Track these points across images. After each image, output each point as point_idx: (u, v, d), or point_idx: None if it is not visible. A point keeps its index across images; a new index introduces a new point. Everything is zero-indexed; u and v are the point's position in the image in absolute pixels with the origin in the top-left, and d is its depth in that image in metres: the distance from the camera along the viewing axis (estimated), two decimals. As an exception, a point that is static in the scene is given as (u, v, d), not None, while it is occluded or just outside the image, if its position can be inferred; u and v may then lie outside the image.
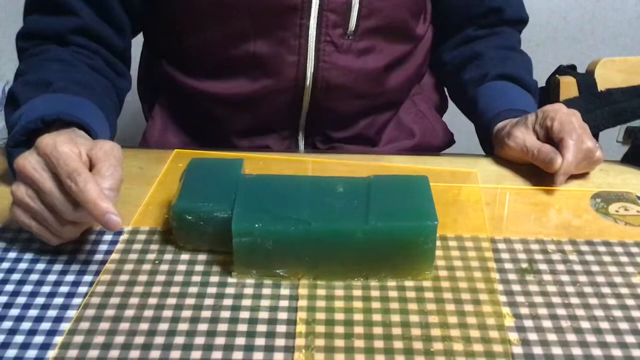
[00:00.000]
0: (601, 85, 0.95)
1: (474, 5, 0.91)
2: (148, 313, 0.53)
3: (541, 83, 1.00)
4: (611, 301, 0.56)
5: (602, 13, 1.96)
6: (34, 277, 0.57)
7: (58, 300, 0.54)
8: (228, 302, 0.54)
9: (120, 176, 0.58)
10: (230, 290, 0.56)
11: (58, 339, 0.51)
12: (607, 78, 0.96)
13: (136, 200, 0.67)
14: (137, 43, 0.92)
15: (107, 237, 0.62)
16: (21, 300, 0.54)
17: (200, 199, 0.59)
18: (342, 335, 0.51)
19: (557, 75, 0.96)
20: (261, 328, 0.52)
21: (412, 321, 0.53)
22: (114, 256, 0.59)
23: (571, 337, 0.52)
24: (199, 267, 0.58)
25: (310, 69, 0.81)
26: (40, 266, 0.58)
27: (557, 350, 0.51)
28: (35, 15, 0.80)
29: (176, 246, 0.61)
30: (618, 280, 0.58)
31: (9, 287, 0.56)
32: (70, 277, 0.57)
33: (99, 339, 0.51)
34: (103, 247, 0.61)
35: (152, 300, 0.54)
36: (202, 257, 0.60)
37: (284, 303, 0.55)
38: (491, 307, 0.55)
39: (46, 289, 0.56)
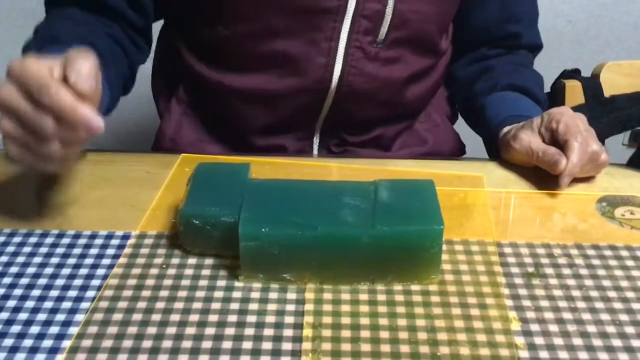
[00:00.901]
0: (606, 89, 0.95)
1: (494, 27, 0.92)
2: (155, 317, 0.53)
3: (547, 87, 1.00)
4: (617, 305, 0.56)
5: (608, 16, 1.96)
6: (42, 281, 0.57)
7: (66, 305, 0.55)
8: (235, 306, 0.55)
9: (93, 63, 0.56)
10: (237, 294, 0.56)
11: (66, 343, 0.51)
12: (613, 82, 0.96)
13: (143, 205, 0.67)
14: (153, 35, 0.92)
15: (115, 241, 0.62)
16: (30, 304, 0.55)
17: (207, 203, 0.59)
18: (349, 339, 0.52)
19: (562, 80, 0.96)
20: (268, 332, 0.52)
21: (419, 325, 0.53)
22: (122, 260, 0.60)
23: (577, 341, 0.52)
24: (206, 272, 0.59)
25: (337, 73, 0.82)
26: (49, 270, 0.59)
27: (563, 355, 0.51)
28: None
29: (183, 250, 0.61)
30: (624, 284, 0.58)
31: (18, 291, 0.56)
32: (78, 282, 0.57)
33: (107, 343, 0.51)
34: (111, 251, 0.61)
35: (160, 305, 0.55)
36: (209, 261, 0.60)
37: (290, 307, 0.55)
38: (497, 311, 0.55)
39: (54, 293, 0.56)
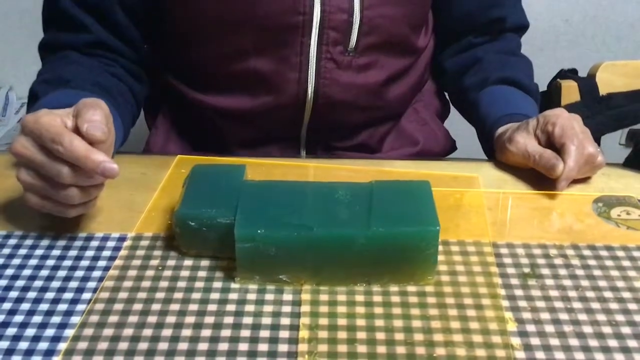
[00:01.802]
0: (602, 89, 0.95)
1: (476, 15, 0.91)
2: (152, 319, 0.53)
3: (543, 86, 1.00)
4: (613, 306, 0.56)
5: (604, 16, 1.96)
6: (38, 283, 0.57)
7: (62, 307, 0.55)
8: (231, 307, 0.55)
9: (104, 111, 0.58)
10: (233, 295, 0.56)
11: (62, 345, 0.51)
12: (609, 82, 0.96)
13: (139, 206, 0.67)
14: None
15: (111, 243, 0.62)
16: (25, 306, 0.55)
17: (203, 205, 0.59)
18: (345, 341, 0.52)
19: (558, 80, 0.96)
20: (264, 334, 0.52)
21: (415, 326, 0.53)
22: (118, 262, 0.60)
23: (574, 341, 0.52)
24: (202, 273, 0.59)
25: (311, 86, 0.82)
26: (45, 272, 0.58)
27: (559, 355, 0.51)
28: (52, 29, 0.83)
29: (179, 252, 0.61)
30: (620, 285, 0.58)
31: (14, 294, 0.56)
32: (74, 284, 0.57)
33: (103, 345, 0.51)
34: (107, 253, 0.61)
35: (156, 306, 0.55)
36: (205, 262, 0.60)
37: (286, 308, 0.55)
38: (493, 312, 0.55)
39: (50, 295, 0.56)
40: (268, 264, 0.56)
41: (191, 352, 0.50)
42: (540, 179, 0.72)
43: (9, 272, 0.58)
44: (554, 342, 0.52)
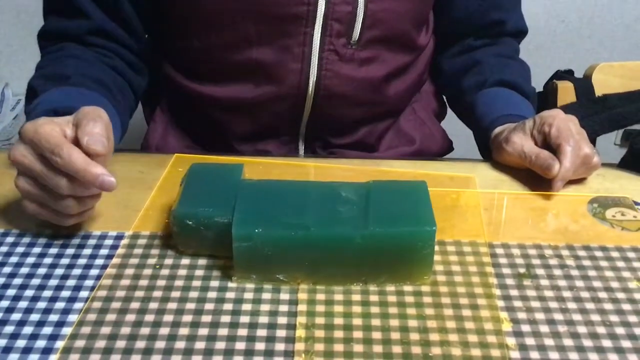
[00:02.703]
0: (599, 90, 0.95)
1: (476, 17, 0.92)
2: (149, 317, 0.54)
3: (540, 87, 1.00)
4: (608, 306, 0.56)
5: (600, 16, 1.97)
6: (35, 281, 0.57)
7: (60, 305, 0.55)
8: (228, 306, 0.55)
9: (105, 123, 0.59)
10: (230, 294, 0.56)
11: (60, 344, 0.51)
12: (605, 83, 0.96)
13: (137, 205, 0.68)
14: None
15: (108, 241, 0.62)
16: (23, 304, 0.55)
17: (201, 204, 0.59)
18: (342, 340, 0.52)
19: (554, 81, 0.96)
20: (261, 332, 0.52)
21: (411, 326, 0.53)
22: (115, 261, 0.60)
23: (568, 342, 0.52)
24: (199, 272, 0.59)
25: (313, 77, 0.82)
26: (42, 271, 0.59)
27: (554, 355, 0.51)
28: (52, 16, 0.82)
29: (177, 251, 0.61)
30: (615, 285, 0.58)
31: (11, 292, 0.56)
32: (71, 282, 0.57)
33: (100, 344, 0.51)
34: (104, 251, 0.61)
35: (153, 305, 0.55)
36: (202, 261, 0.60)
37: (283, 308, 0.55)
38: (489, 312, 0.55)
39: (48, 293, 0.56)
40: (265, 263, 0.56)
41: (188, 351, 0.51)
42: (537, 180, 0.72)
43: (7, 270, 0.59)
44: (549, 342, 0.52)
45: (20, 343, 0.51)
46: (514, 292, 0.57)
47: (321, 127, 0.89)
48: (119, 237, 0.63)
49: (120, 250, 0.61)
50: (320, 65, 0.81)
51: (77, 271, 0.59)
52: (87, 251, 0.61)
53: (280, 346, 0.51)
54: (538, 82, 1.00)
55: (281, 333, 0.52)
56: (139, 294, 0.56)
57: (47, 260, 0.60)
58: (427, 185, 0.61)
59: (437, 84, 1.00)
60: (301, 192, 0.61)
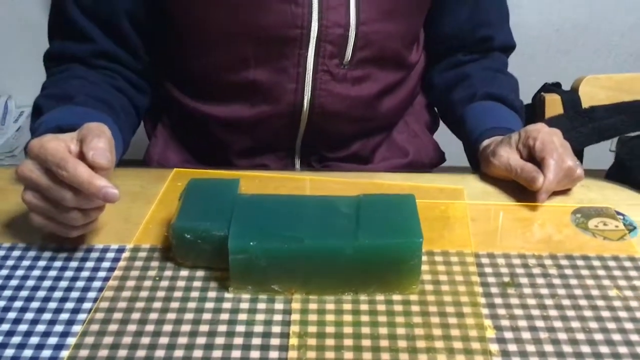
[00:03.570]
0: (585, 102, 0.98)
1: (466, 34, 0.95)
2: (149, 327, 0.56)
3: (532, 95, 1.03)
4: (587, 313, 0.59)
5: (595, 25, 1.99)
6: (41, 293, 0.60)
7: (64, 316, 0.58)
8: (225, 316, 0.58)
9: (108, 138, 0.62)
10: (227, 305, 0.59)
11: (65, 353, 0.54)
12: (592, 95, 0.99)
13: (137, 218, 0.70)
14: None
15: (110, 254, 0.65)
16: (29, 316, 0.58)
17: (199, 218, 0.62)
18: (333, 348, 0.54)
19: (542, 93, 0.99)
20: (256, 341, 0.55)
21: (399, 334, 0.56)
22: (117, 273, 0.63)
23: (549, 347, 0.55)
24: (197, 283, 0.61)
25: (308, 96, 0.85)
26: (47, 283, 0.61)
27: (535, 361, 0.54)
28: (57, 40, 0.86)
29: (175, 263, 0.64)
30: (595, 293, 0.61)
31: (18, 304, 0.59)
32: (75, 294, 0.60)
33: (104, 353, 0.54)
34: (106, 264, 0.64)
35: (153, 315, 0.58)
36: (200, 273, 0.63)
37: (277, 317, 0.58)
38: (474, 320, 0.58)
39: (53, 305, 0.59)
40: (260, 274, 0.59)
41: (186, 359, 0.53)
42: (523, 191, 0.75)
43: (14, 282, 0.61)
44: (530, 348, 0.55)
45: (27, 353, 0.54)
46: (498, 300, 0.60)
47: (316, 142, 0.91)
48: (121, 250, 0.66)
49: (121, 263, 0.64)
50: (314, 85, 0.84)
51: (80, 283, 0.61)
52: (90, 264, 0.64)
53: (274, 354, 0.54)
54: (533, 91, 1.02)
55: (275, 342, 0.55)
56: (140, 304, 0.59)
57: (52, 273, 0.63)
58: (416, 198, 0.64)
59: (429, 98, 1.02)
60: (295, 206, 0.64)
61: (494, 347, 0.55)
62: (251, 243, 0.58)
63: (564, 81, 1.05)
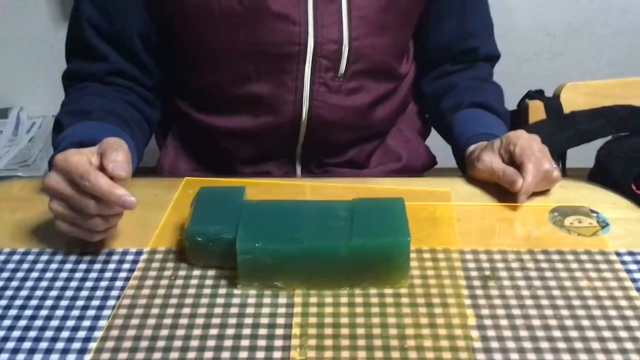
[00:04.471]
0: (567, 108, 1.04)
1: (452, 45, 1.01)
2: (167, 321, 0.63)
3: (520, 98, 1.09)
4: (560, 302, 0.65)
5: (587, 28, 2.01)
6: (69, 293, 0.67)
7: (90, 313, 0.64)
8: (234, 310, 0.64)
9: (126, 152, 0.69)
10: (236, 300, 0.66)
11: (92, 345, 0.60)
12: (572, 101, 1.05)
13: (153, 224, 0.77)
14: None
15: (130, 257, 0.72)
16: (59, 312, 0.64)
17: (209, 222, 0.69)
18: (331, 336, 0.61)
19: (526, 100, 1.06)
20: (262, 332, 0.62)
21: (390, 323, 0.63)
22: (136, 274, 0.69)
23: (524, 333, 0.61)
24: (209, 281, 0.68)
25: (306, 107, 0.92)
26: (74, 284, 0.68)
27: (511, 344, 0.60)
28: (75, 60, 0.93)
29: (189, 264, 0.70)
30: (567, 284, 0.67)
31: (49, 302, 0.66)
32: (99, 293, 0.67)
33: (127, 344, 0.60)
34: (126, 266, 0.70)
35: (170, 310, 0.64)
36: (211, 272, 0.69)
37: (281, 310, 0.64)
38: (457, 309, 0.64)
39: (80, 303, 0.66)
40: (265, 272, 0.66)
41: (201, 348, 0.60)
42: (505, 193, 0.81)
43: (44, 284, 0.68)
44: (507, 333, 0.61)
45: (60, 345, 0.61)
46: (479, 292, 0.66)
47: (315, 149, 0.98)
48: (139, 253, 0.72)
49: (140, 265, 0.71)
50: (311, 96, 0.91)
51: (104, 283, 0.68)
52: (112, 266, 0.71)
53: (278, 342, 0.61)
54: (523, 93, 1.07)
55: (279, 331, 0.62)
56: (158, 301, 0.66)
57: (78, 275, 0.69)
58: (405, 201, 0.71)
59: (420, 105, 1.09)
60: (295, 211, 0.70)
61: (474, 333, 0.61)
62: (257, 245, 0.65)
63: (556, 84, 1.11)
